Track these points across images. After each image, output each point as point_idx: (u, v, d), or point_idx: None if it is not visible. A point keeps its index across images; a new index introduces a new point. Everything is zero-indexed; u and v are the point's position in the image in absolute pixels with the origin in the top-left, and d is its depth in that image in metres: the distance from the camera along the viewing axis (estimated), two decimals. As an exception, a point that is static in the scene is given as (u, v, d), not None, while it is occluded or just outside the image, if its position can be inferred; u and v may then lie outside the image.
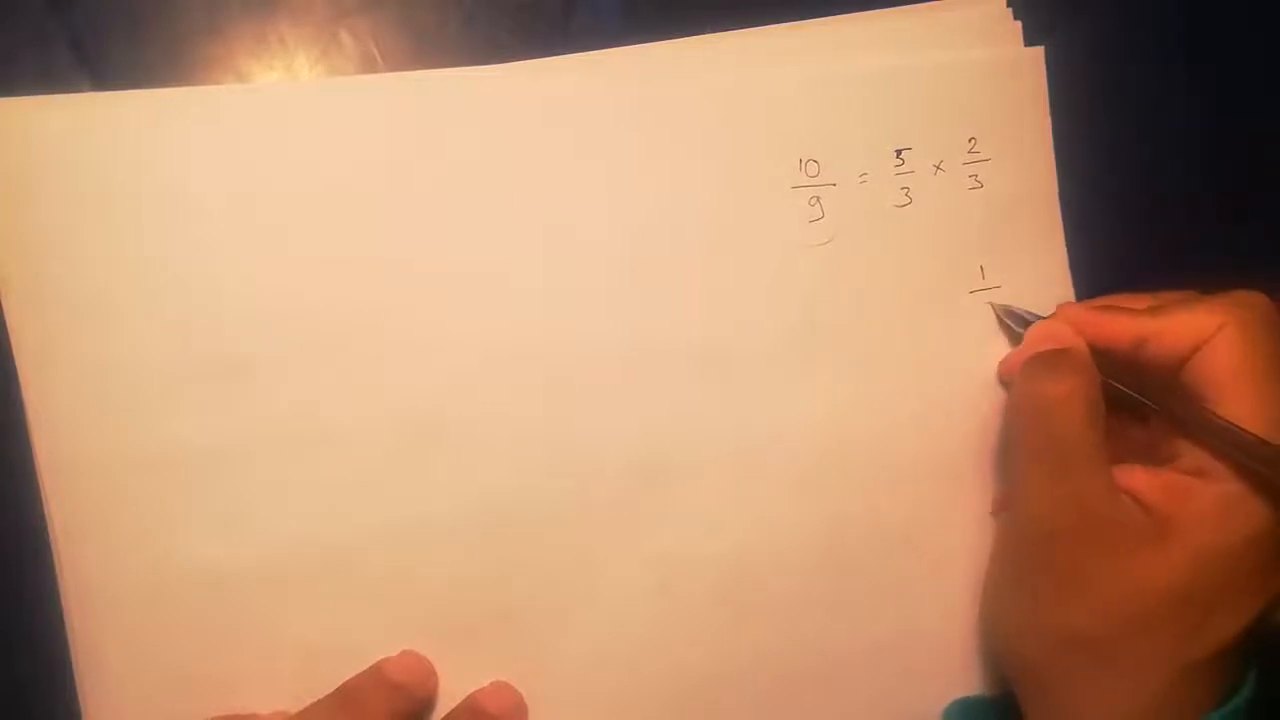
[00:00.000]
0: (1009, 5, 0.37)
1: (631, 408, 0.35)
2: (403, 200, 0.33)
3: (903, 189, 0.36)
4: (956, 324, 0.37)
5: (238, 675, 0.33)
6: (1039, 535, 0.33)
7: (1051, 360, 0.34)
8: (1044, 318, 0.36)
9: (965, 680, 0.37)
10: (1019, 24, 0.37)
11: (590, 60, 0.35)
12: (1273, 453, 0.30)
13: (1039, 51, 0.37)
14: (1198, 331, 0.32)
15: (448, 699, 0.34)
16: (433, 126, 0.34)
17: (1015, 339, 0.37)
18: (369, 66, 0.35)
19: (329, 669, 0.33)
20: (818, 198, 0.36)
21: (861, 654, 0.36)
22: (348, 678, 0.33)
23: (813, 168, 0.36)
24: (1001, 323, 0.37)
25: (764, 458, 0.36)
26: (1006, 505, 0.37)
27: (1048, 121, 0.38)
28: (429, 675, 0.33)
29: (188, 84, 0.34)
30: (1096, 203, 0.38)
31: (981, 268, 0.37)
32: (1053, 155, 0.38)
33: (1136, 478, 0.32)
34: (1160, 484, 0.32)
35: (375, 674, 0.33)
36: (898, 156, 0.36)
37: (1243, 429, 0.30)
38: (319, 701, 0.33)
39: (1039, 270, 0.38)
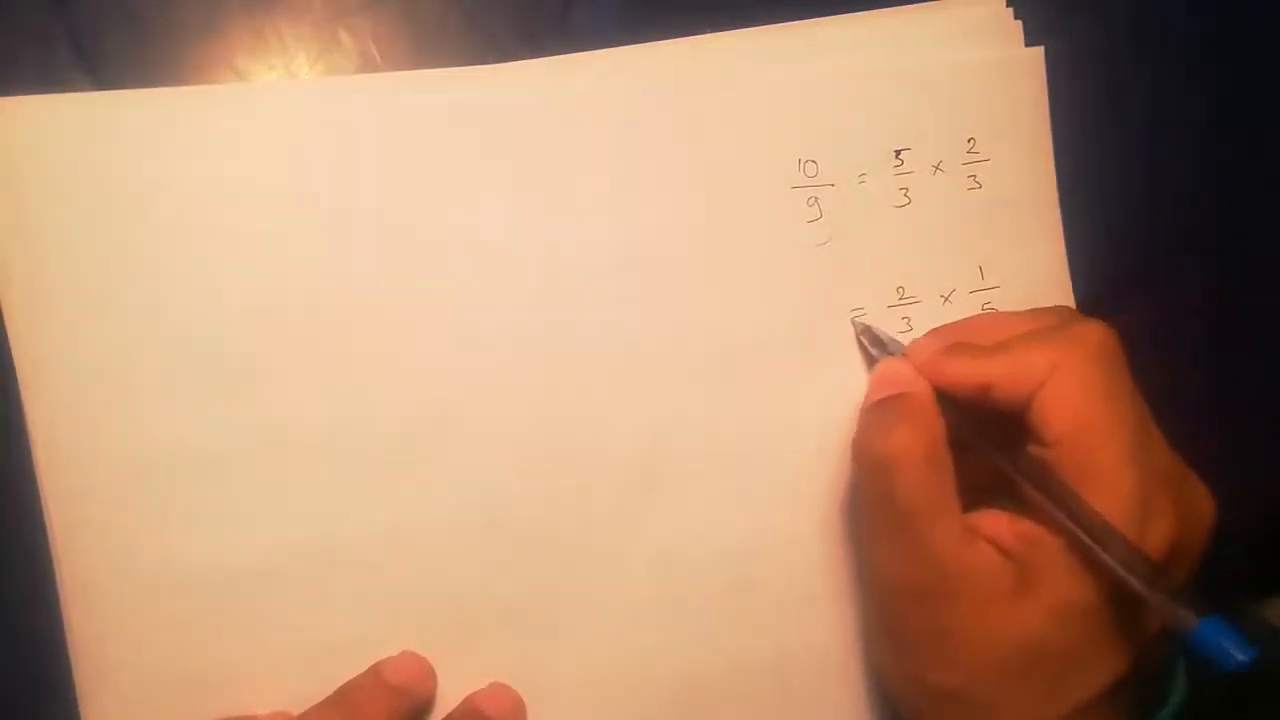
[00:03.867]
0: (1009, 5, 0.37)
1: (631, 408, 0.35)
2: (402, 200, 0.33)
3: (902, 189, 0.36)
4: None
5: (238, 675, 0.33)
6: (893, 596, 0.32)
7: (886, 412, 0.32)
8: (899, 345, 0.34)
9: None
10: (1019, 24, 0.37)
11: (590, 60, 0.35)
12: (1105, 530, 0.29)
13: (1039, 51, 0.37)
14: (1033, 374, 0.30)
15: (447, 699, 0.34)
16: (433, 126, 0.34)
17: (872, 364, 0.35)
18: (369, 66, 0.35)
19: (329, 669, 0.33)
20: (816, 198, 0.36)
21: (865, 653, 0.36)
22: (347, 678, 0.33)
23: (812, 168, 0.36)
24: (860, 345, 0.36)
25: (764, 458, 0.36)
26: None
27: (1047, 121, 0.38)
28: (428, 676, 0.33)
29: (187, 83, 0.34)
30: (1096, 203, 0.38)
31: (981, 268, 0.37)
32: (1052, 155, 0.38)
33: (998, 524, 0.31)
34: (1020, 532, 0.30)
35: (374, 676, 0.33)
36: (897, 157, 0.36)
37: (1077, 498, 0.29)
38: (318, 705, 0.33)
39: (1039, 270, 0.38)
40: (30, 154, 0.32)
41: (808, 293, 0.36)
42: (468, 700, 0.34)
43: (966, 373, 0.32)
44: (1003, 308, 0.37)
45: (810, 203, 0.36)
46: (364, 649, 0.33)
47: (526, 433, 0.34)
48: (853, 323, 0.36)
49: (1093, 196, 0.38)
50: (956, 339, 0.33)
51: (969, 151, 0.37)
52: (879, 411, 0.33)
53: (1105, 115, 0.39)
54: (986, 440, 0.32)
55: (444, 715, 0.34)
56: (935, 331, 0.35)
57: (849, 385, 0.36)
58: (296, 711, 0.33)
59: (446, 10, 0.36)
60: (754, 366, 0.35)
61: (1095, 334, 0.31)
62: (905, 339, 0.36)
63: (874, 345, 0.35)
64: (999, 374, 0.31)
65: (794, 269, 0.36)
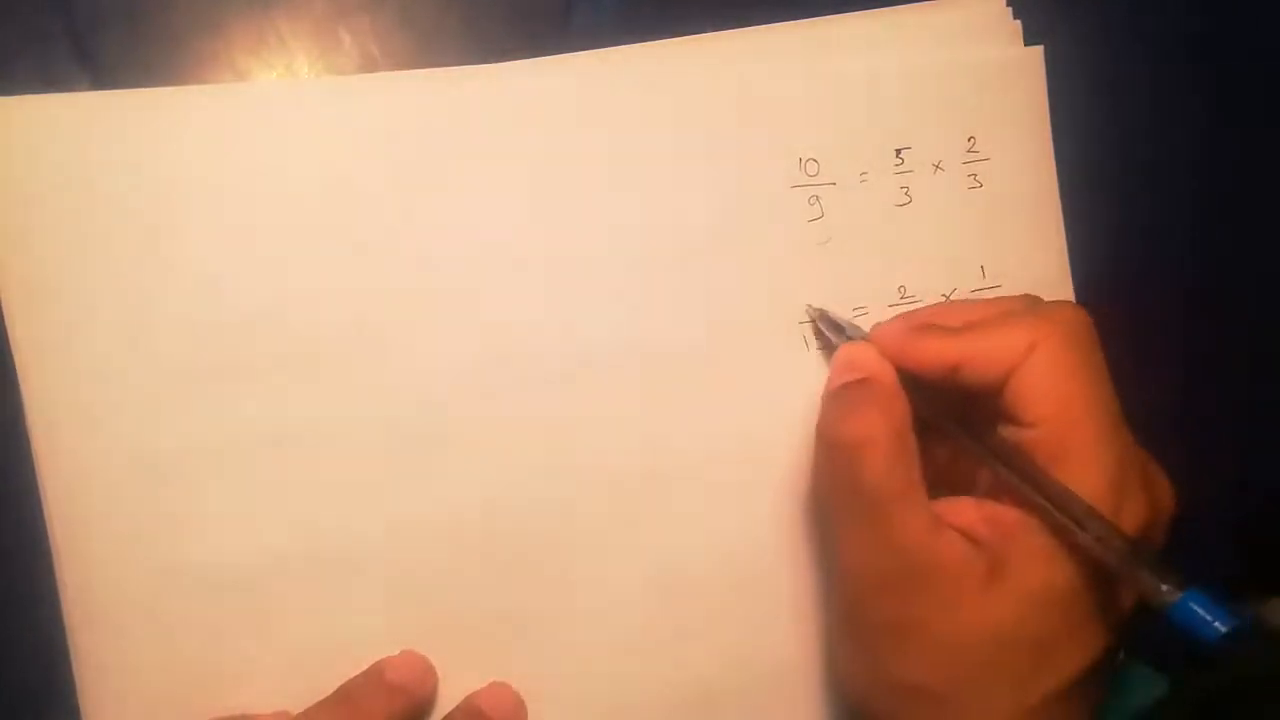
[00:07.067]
0: (1009, 5, 0.37)
1: (631, 408, 0.35)
2: (403, 199, 0.33)
3: (902, 188, 0.36)
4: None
5: (238, 675, 0.33)
6: (859, 586, 0.31)
7: (850, 395, 0.31)
8: (859, 329, 0.34)
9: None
10: (1019, 24, 0.37)
11: (590, 60, 0.35)
12: (1082, 509, 0.28)
13: (1038, 51, 0.37)
14: (1008, 354, 0.30)
15: (447, 699, 0.34)
16: (433, 126, 0.34)
17: (830, 350, 0.35)
18: (369, 66, 0.35)
19: (329, 669, 0.33)
20: (817, 197, 0.36)
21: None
22: (348, 678, 0.33)
23: (812, 167, 0.36)
24: (816, 331, 0.35)
25: (764, 458, 0.35)
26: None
27: (1047, 121, 0.38)
28: (428, 675, 0.33)
29: (188, 83, 0.34)
30: (1096, 202, 0.38)
31: (982, 267, 0.37)
32: (1052, 155, 0.38)
33: (966, 512, 0.30)
34: (989, 518, 0.30)
35: (374, 675, 0.33)
36: (897, 156, 0.36)
37: (1052, 479, 0.29)
38: (319, 704, 0.33)
39: (1040, 269, 0.38)
40: (30, 154, 0.31)
41: (809, 292, 0.36)
42: (468, 700, 0.34)
43: (936, 352, 0.31)
44: (1004, 306, 0.37)
45: (811, 202, 0.36)
46: (364, 649, 0.33)
47: (527, 432, 0.34)
48: (807, 309, 0.35)
49: (1093, 196, 0.38)
50: (923, 323, 0.33)
51: (969, 151, 0.37)
52: (843, 395, 0.32)
53: (1105, 115, 0.39)
54: (954, 424, 0.31)
55: (444, 715, 0.34)
56: (900, 316, 0.34)
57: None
58: (296, 711, 0.33)
59: (446, 10, 0.36)
60: (755, 366, 0.35)
61: (1072, 315, 0.31)
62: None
63: (832, 331, 0.34)
64: (971, 353, 0.31)
65: (795, 268, 0.36)
